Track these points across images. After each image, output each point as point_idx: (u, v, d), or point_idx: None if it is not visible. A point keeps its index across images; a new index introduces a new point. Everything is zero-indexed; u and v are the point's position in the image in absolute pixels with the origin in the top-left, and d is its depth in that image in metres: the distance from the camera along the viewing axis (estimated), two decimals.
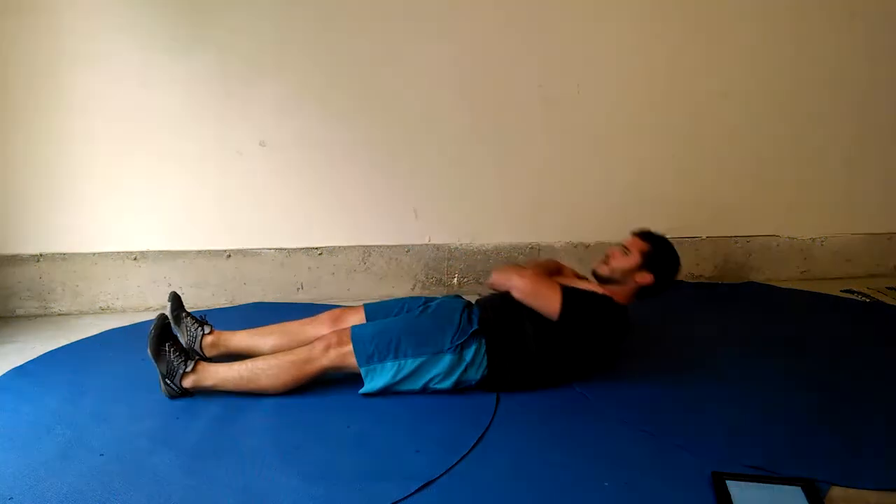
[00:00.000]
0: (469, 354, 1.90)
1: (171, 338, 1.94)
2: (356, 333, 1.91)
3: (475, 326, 1.93)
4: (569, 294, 1.92)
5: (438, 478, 1.55)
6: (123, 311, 2.78)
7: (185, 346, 2.09)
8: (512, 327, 1.96)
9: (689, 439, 1.73)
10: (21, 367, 2.18)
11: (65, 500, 1.45)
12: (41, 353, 2.30)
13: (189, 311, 2.18)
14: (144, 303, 2.79)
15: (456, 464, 1.61)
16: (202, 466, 1.59)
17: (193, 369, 1.88)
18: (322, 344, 1.90)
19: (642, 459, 1.65)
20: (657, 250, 2.02)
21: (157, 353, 1.88)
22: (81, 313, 2.76)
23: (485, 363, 1.92)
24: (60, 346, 2.37)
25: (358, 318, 2.11)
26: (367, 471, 1.57)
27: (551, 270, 2.18)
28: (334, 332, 1.94)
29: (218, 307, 2.82)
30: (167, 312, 2.10)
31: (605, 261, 2.05)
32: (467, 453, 1.66)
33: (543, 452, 1.67)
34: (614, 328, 2.01)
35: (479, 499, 1.48)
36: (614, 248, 2.06)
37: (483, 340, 1.92)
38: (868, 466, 1.61)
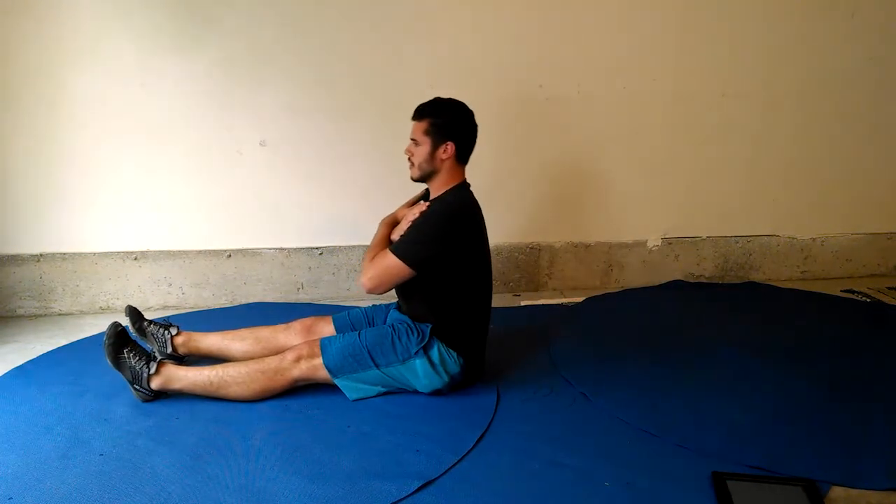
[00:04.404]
0: (435, 355, 1.90)
1: (129, 343, 1.92)
2: (326, 346, 1.90)
3: (429, 326, 1.92)
4: (398, 248, 1.85)
5: (438, 478, 1.55)
6: (123, 311, 2.77)
7: (156, 353, 2.07)
8: (424, 302, 1.94)
9: (689, 439, 1.73)
10: (21, 367, 2.19)
11: (65, 500, 1.45)
12: (41, 353, 2.30)
13: (150, 318, 2.17)
14: (145, 303, 2.79)
15: (456, 464, 1.61)
16: (202, 466, 1.59)
17: (157, 371, 1.87)
18: (293, 355, 1.89)
19: (642, 459, 1.65)
20: (436, 119, 1.91)
21: (117, 362, 1.87)
22: (81, 313, 2.76)
23: (454, 352, 1.92)
24: (60, 346, 2.38)
25: (330, 328, 2.11)
26: (367, 471, 1.57)
27: (387, 235, 2.01)
28: (305, 343, 1.93)
29: (218, 307, 2.82)
30: (129, 327, 2.07)
31: (410, 163, 1.97)
32: (467, 453, 1.66)
33: (543, 452, 1.67)
34: (458, 219, 1.90)
35: (479, 499, 1.48)
36: (407, 146, 1.96)
37: (439, 337, 1.92)
38: (868, 466, 1.61)
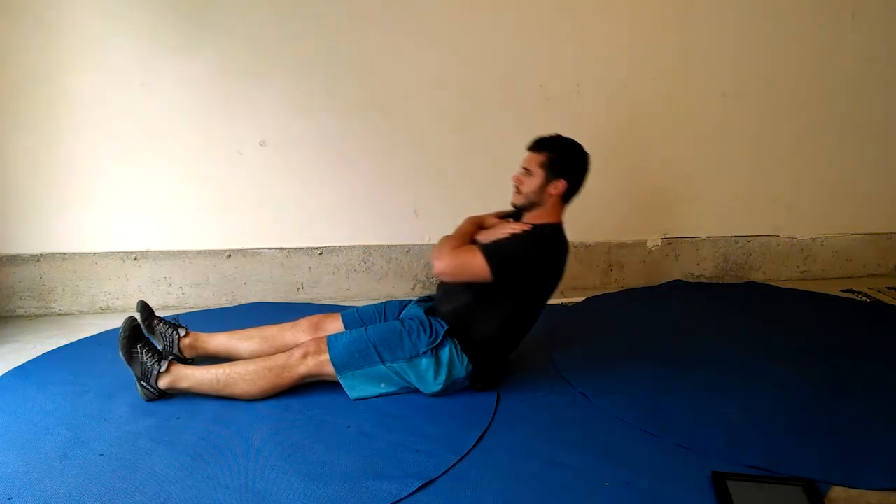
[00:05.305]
0: (445, 355, 1.90)
1: (143, 339, 1.93)
2: (332, 342, 1.91)
3: (446, 327, 1.92)
4: (489, 250, 1.86)
5: (438, 478, 1.55)
6: (123, 311, 2.78)
7: (162, 351, 2.06)
8: (468, 307, 1.95)
9: (689, 439, 1.73)
10: (21, 367, 2.18)
11: (65, 500, 1.45)
12: (41, 353, 2.30)
13: (161, 316, 2.17)
14: None
15: (456, 464, 1.61)
16: (202, 466, 1.59)
17: (167, 370, 1.87)
18: (300, 351, 1.90)
19: (642, 459, 1.65)
20: (555, 154, 1.96)
21: (130, 356, 1.88)
22: (81, 313, 2.76)
23: (465, 357, 1.92)
24: (60, 346, 2.37)
25: (337, 325, 2.11)
26: (367, 471, 1.57)
27: (472, 232, 2.05)
28: (313, 339, 1.94)
29: (218, 307, 2.82)
30: (138, 321, 2.06)
31: (517, 190, 2.00)
32: (467, 453, 1.66)
33: (543, 452, 1.67)
34: (551, 254, 1.95)
35: (479, 499, 1.48)
36: (518, 173, 2.01)
37: (455, 339, 1.92)
38: (868, 466, 1.61)
